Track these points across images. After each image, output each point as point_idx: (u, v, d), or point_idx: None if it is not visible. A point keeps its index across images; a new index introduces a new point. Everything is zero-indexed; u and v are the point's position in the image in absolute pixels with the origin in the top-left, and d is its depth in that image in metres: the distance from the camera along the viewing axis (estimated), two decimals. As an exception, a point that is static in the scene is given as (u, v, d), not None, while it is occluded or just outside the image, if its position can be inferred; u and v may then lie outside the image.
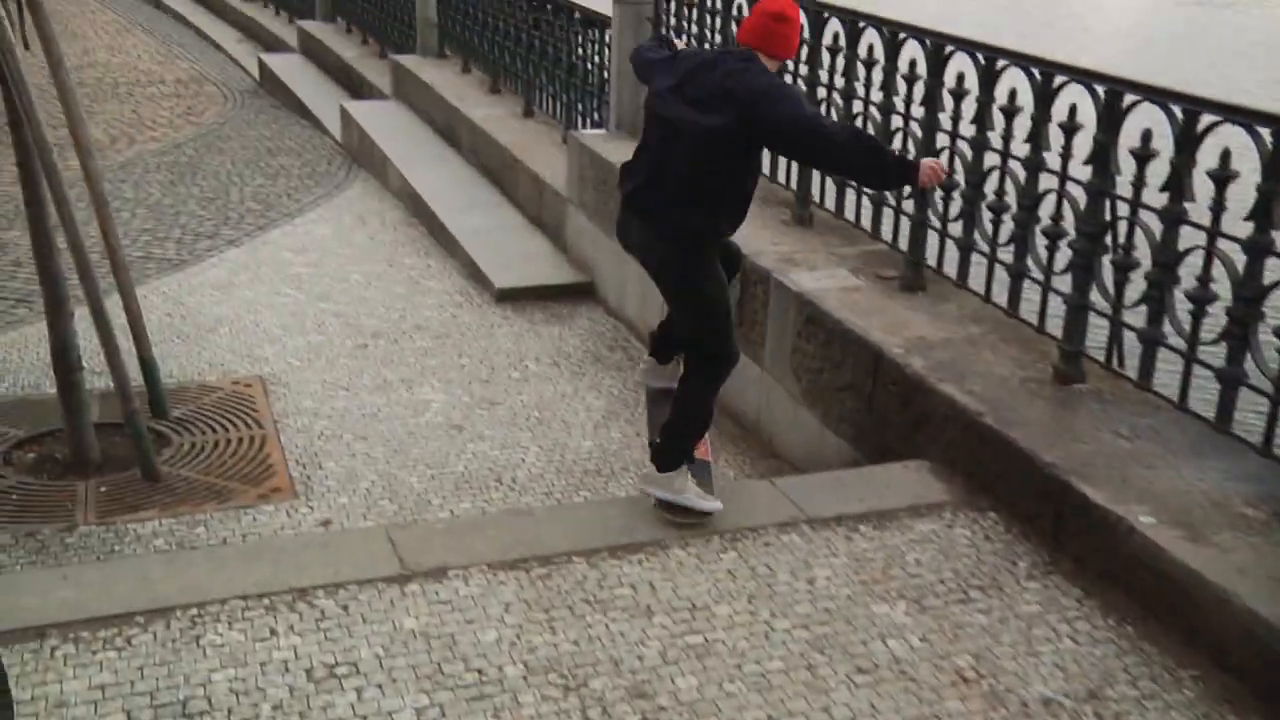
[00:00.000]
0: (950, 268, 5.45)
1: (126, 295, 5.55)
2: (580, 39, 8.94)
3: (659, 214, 3.89)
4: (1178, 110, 4.15)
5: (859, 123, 5.72)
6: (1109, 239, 4.52)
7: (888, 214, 5.79)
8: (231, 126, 12.80)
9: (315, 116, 12.82)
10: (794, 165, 6.42)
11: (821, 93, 6.08)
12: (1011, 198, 4.95)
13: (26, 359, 6.69)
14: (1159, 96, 4.20)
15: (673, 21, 7.54)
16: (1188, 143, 4.14)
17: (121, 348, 5.27)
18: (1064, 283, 4.70)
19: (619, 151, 7.48)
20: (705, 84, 3.78)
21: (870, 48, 5.71)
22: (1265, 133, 3.90)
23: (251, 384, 6.38)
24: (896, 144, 5.56)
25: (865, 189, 5.87)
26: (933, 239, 5.49)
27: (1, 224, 9.08)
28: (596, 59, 8.72)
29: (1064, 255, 4.72)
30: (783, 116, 3.64)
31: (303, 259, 8.48)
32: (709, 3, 7.09)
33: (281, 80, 14.31)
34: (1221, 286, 4.14)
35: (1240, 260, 4.04)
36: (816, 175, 6.27)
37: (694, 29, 7.28)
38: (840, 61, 5.92)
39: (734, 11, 6.82)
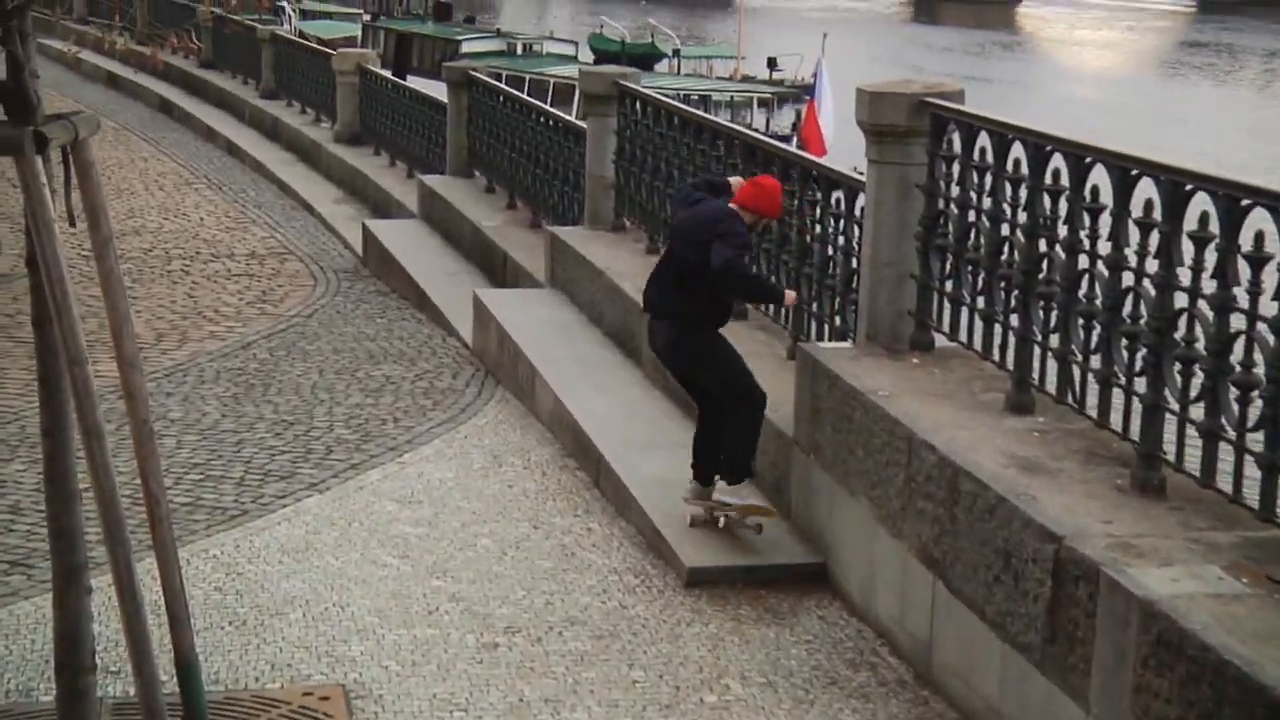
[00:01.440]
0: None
1: (165, 561, 5.61)
2: (817, 210, 9.02)
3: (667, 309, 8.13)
4: None
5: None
6: None
7: (1284, 482, 5.53)
8: (321, 320, 13.31)
9: (437, 308, 13.21)
10: (1134, 402, 6.26)
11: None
12: None
13: (16, 649, 6.80)
14: None
15: (954, 189, 7.55)
16: None
17: (152, 636, 5.30)
18: None
19: (873, 376, 7.43)
20: (691, 223, 8.06)
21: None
22: None
23: (330, 696, 6.36)
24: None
25: (1253, 452, 5.66)
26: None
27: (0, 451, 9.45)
28: (841, 239, 8.76)
29: None
30: (721, 250, 7.74)
31: (411, 514, 8.59)
32: (1010, 167, 7.06)
33: (392, 256, 14.84)
34: None
35: None
36: (1170, 420, 6.08)
37: (984, 201, 7.26)
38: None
39: (1047, 179, 6.78)
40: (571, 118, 14.93)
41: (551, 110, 15.02)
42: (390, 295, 14.33)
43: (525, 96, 16.45)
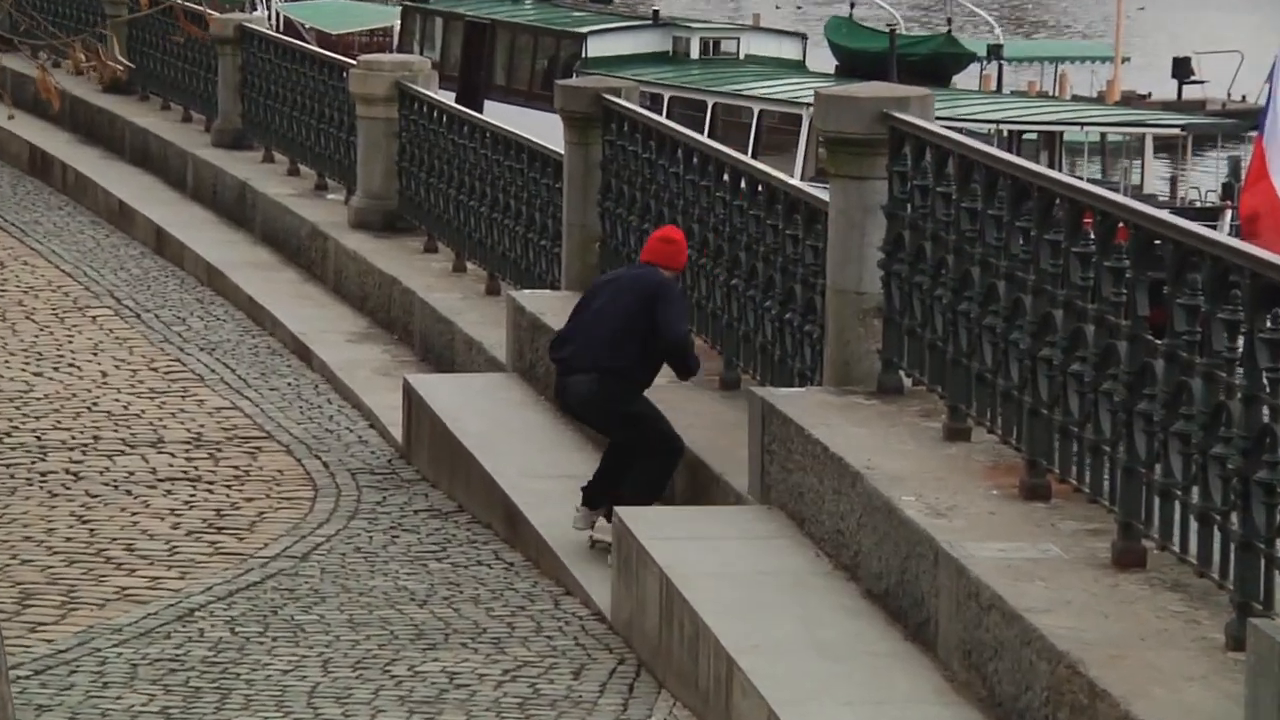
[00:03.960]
0: None
1: None
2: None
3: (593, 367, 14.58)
4: None
5: None
6: None
7: None
8: (326, 564, 13.38)
9: (545, 542, 13.28)
10: None
11: None
12: None
13: None
14: None
15: None
16: None
17: None
18: None
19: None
20: (625, 282, 14.93)
21: None
22: None
23: None
24: None
25: None
26: None
27: None
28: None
29: None
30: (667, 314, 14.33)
31: None
32: None
33: (459, 442, 14.96)
34: None
35: None
36: None
37: None
38: None
39: None
40: (796, 180, 14.98)
41: (758, 166, 15.03)
42: (455, 517, 14.40)
43: (706, 140, 16.42)
